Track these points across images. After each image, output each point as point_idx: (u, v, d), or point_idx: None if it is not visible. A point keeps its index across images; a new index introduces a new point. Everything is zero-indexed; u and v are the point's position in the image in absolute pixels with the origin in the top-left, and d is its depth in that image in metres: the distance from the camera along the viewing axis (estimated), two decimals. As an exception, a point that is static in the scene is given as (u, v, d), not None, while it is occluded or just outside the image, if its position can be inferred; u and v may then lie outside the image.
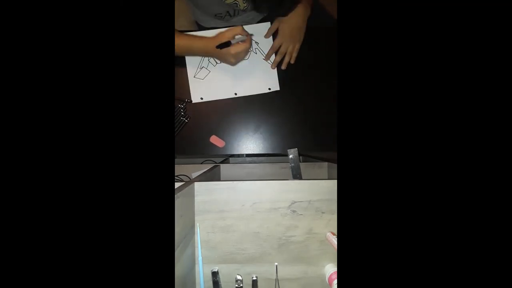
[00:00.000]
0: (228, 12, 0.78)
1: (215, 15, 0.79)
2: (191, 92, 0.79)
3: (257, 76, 0.80)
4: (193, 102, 0.79)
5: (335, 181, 0.54)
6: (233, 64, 0.73)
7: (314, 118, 0.80)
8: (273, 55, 0.78)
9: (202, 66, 0.80)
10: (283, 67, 0.78)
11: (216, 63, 0.79)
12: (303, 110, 0.80)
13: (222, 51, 0.68)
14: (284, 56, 0.77)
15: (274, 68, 0.78)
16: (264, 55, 0.78)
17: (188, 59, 0.80)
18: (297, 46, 0.75)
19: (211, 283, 0.53)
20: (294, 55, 0.76)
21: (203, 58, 0.79)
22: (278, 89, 0.80)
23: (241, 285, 0.53)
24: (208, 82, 0.79)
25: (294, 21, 0.72)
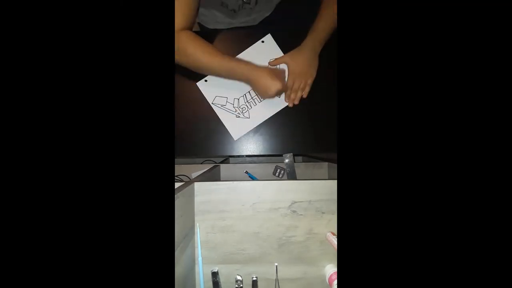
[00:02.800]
0: (234, 10, 0.78)
1: (222, 3, 0.78)
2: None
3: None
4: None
5: (335, 181, 0.54)
6: (264, 97, 0.75)
7: (314, 119, 0.80)
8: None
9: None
10: (296, 102, 0.78)
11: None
12: (303, 111, 0.80)
13: (267, 84, 0.67)
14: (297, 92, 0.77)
15: (291, 106, 0.78)
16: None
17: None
18: (310, 82, 0.76)
19: (211, 283, 0.53)
20: (307, 89, 0.77)
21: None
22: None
23: (241, 285, 0.53)
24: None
25: (304, 57, 0.72)
